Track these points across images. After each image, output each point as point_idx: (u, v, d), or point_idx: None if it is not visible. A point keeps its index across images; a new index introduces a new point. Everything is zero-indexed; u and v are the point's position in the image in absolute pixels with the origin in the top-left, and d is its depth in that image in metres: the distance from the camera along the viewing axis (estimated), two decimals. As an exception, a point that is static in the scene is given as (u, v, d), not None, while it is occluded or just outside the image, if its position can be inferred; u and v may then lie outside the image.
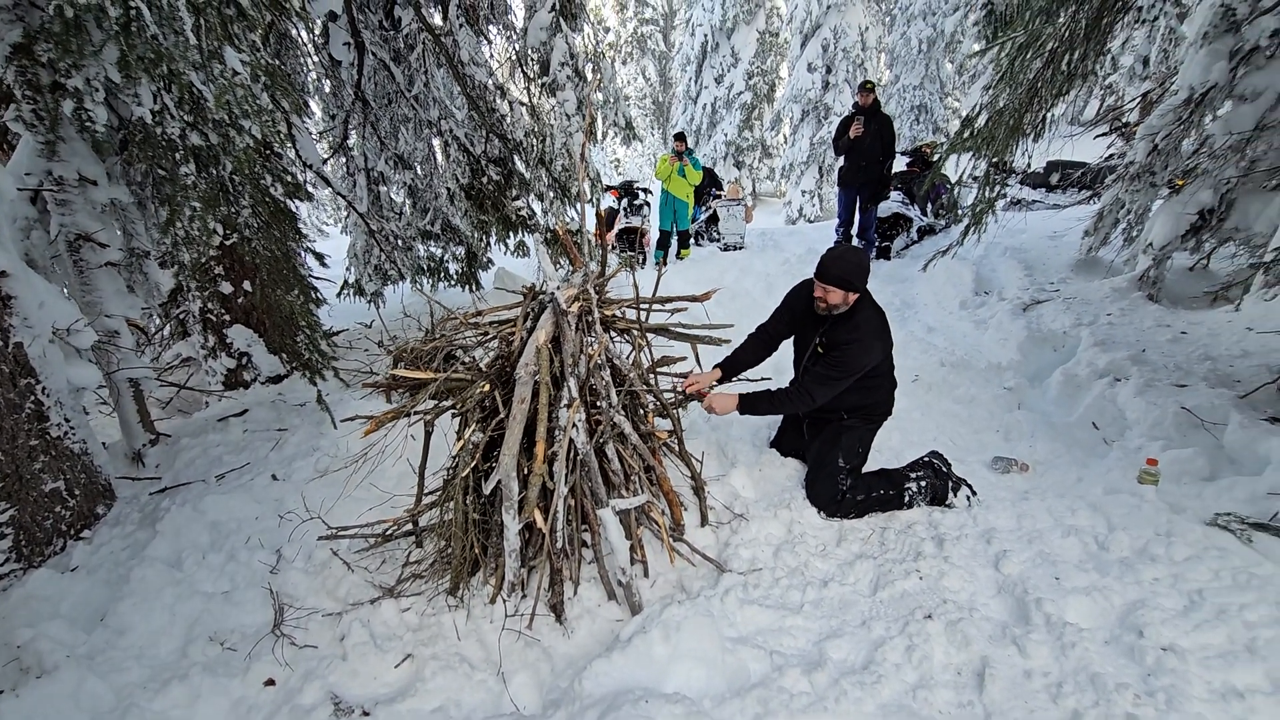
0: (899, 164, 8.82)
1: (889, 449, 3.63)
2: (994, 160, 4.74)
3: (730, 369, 3.22)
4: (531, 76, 5.58)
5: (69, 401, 3.03)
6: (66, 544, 2.92)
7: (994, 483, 3.40)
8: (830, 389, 2.89)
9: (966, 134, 4.76)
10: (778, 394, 2.97)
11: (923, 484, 3.03)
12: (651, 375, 3.03)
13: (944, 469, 3.12)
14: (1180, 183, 4.79)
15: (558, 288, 2.53)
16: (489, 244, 6.55)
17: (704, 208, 9.67)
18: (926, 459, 3.17)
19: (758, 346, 3.25)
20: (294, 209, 4.50)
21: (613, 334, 2.86)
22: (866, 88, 6.77)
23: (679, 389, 3.20)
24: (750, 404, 3.01)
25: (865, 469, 3.15)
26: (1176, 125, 4.64)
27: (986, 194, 5.00)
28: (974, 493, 3.08)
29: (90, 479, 3.11)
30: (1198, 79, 4.38)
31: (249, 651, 2.35)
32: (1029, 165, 6.30)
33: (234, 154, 2.87)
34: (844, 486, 2.97)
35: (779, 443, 3.44)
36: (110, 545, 2.93)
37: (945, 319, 5.86)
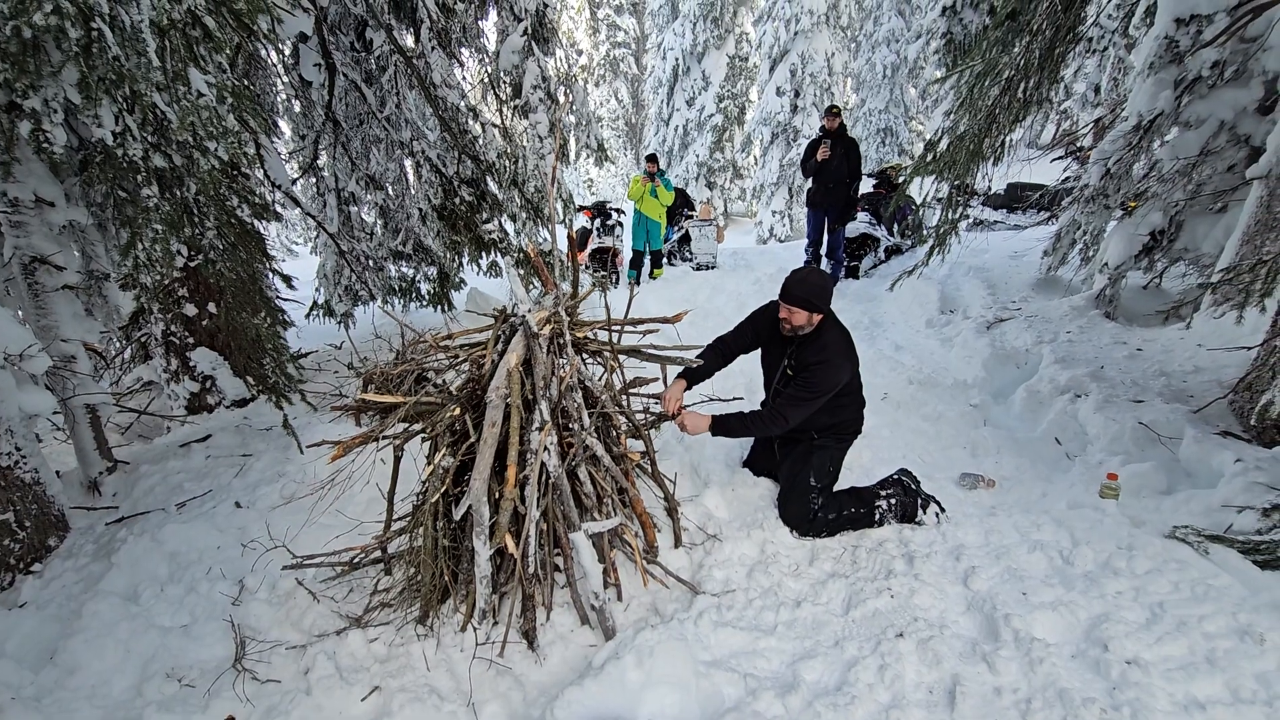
0: (866, 185, 9.02)
1: (859, 467, 3.66)
2: (956, 183, 4.88)
3: (691, 378, 3.20)
4: (504, 99, 5.60)
5: (20, 429, 2.91)
6: (15, 579, 2.79)
7: (962, 499, 3.43)
8: (803, 410, 2.90)
9: (929, 157, 4.90)
10: (751, 416, 2.98)
11: (893, 501, 3.05)
12: (624, 397, 3.02)
13: (913, 486, 3.15)
14: (1132, 205, 4.98)
15: (529, 310, 2.52)
16: (461, 264, 6.51)
17: (676, 228, 9.76)
18: (896, 476, 3.20)
19: (715, 357, 3.23)
20: (261, 230, 4.44)
21: (585, 356, 2.85)
22: (833, 112, 6.92)
23: (658, 410, 3.19)
24: (723, 425, 3.00)
25: (836, 488, 3.17)
26: (1127, 150, 4.84)
27: (950, 215, 5.13)
28: (942, 509, 3.11)
29: (42, 510, 2.99)
30: (1145, 106, 4.57)
31: (208, 688, 2.26)
32: (989, 187, 6.50)
33: (199, 176, 2.82)
34: (816, 505, 2.98)
35: (751, 463, 3.45)
36: (62, 579, 2.81)
37: (912, 337, 5.96)
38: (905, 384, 4.89)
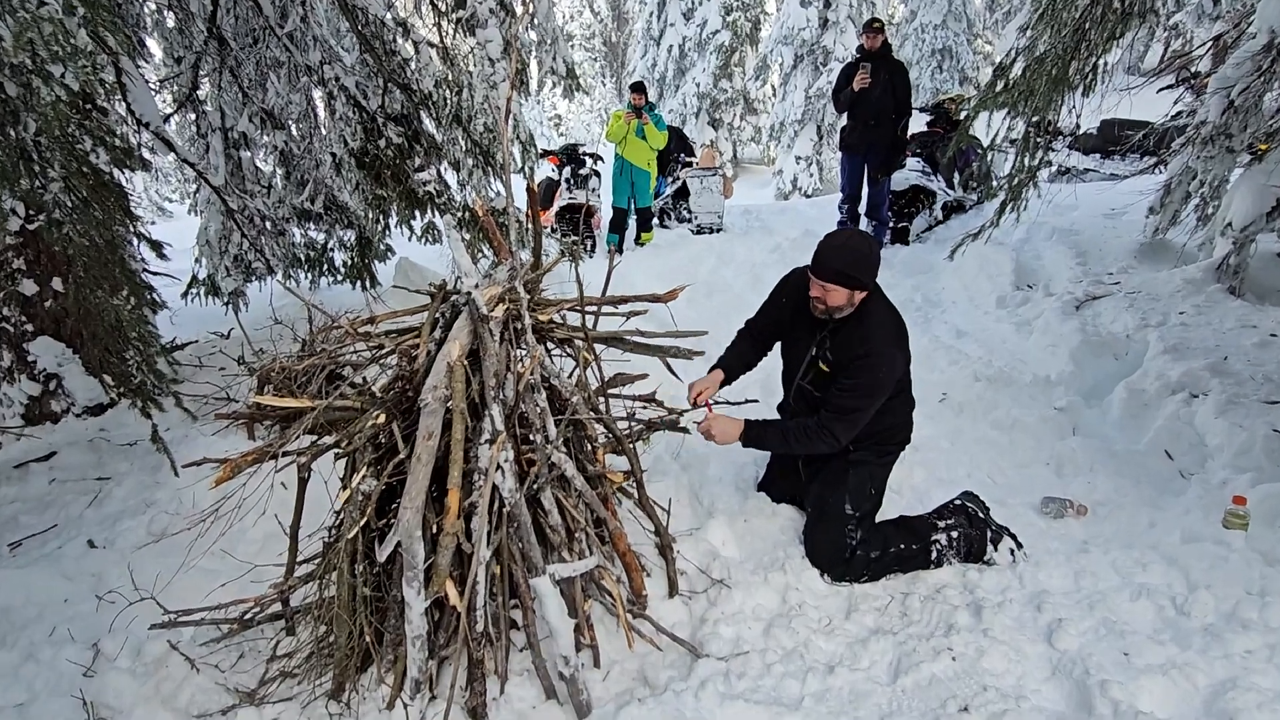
0: (917, 123, 9.02)
1: (909, 489, 3.65)
2: (1034, 120, 4.88)
3: (730, 370, 3.30)
4: (444, 9, 5.54)
5: None
6: None
7: (1044, 531, 3.45)
8: (855, 422, 2.91)
9: (1000, 86, 4.90)
10: (793, 428, 2.99)
11: (954, 535, 3.05)
12: (602, 399, 3.00)
13: (980, 515, 3.15)
14: (1264, 147, 4.99)
15: (476, 286, 2.49)
16: (388, 227, 6.45)
17: (670, 179, 9.74)
18: (958, 502, 3.19)
19: (752, 347, 3.30)
20: (123, 182, 4.36)
21: (550, 345, 2.82)
22: (874, 27, 6.91)
23: (647, 417, 3.19)
24: (758, 435, 3.03)
25: (880, 516, 3.17)
26: (1256, 76, 4.83)
27: (1027, 161, 5.13)
28: (1019, 545, 3.11)
29: None
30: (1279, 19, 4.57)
31: (50, 789, 2.21)
32: (1078, 125, 6.51)
33: (40, 111, 2.76)
34: (853, 540, 2.98)
35: (769, 485, 3.44)
36: None
37: (979, 320, 5.97)
38: (970, 381, 4.89)
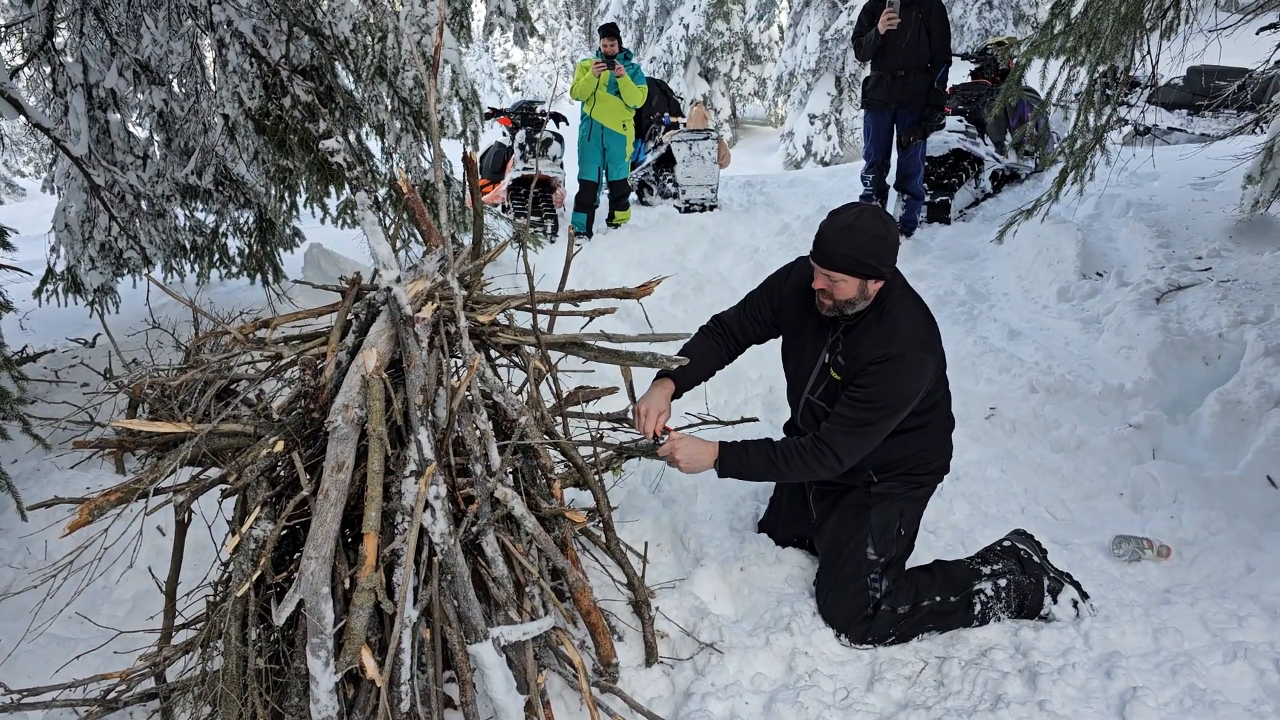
0: (959, 73, 9.10)
1: (949, 528, 3.67)
2: (1100, 69, 4.93)
3: (680, 380, 3.23)
4: (363, -66, 5.57)
5: None
6: None
7: (1117, 578, 3.47)
8: (863, 440, 2.90)
9: (1059, 28, 4.94)
10: (782, 448, 2.98)
11: (1001, 584, 3.08)
12: (560, 419, 3.00)
13: (1035, 559, 3.18)
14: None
15: (398, 280, 2.49)
16: (295, 206, 6.44)
17: (651, 144, 9.77)
18: (1007, 544, 3.22)
19: (713, 348, 3.27)
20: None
21: (494, 354, 2.83)
22: (904, -45, 6.97)
23: (619, 440, 3.19)
24: (736, 460, 3.01)
25: (912, 561, 3.19)
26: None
27: (1091, 120, 5.18)
28: (1084, 596, 3.14)
29: None
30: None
31: None
32: (1155, 74, 6.59)
33: None
34: (877, 592, 2.99)
35: (772, 525, 3.45)
36: None
37: (1036, 316, 6.02)
38: (1024, 393, 4.93)
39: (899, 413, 2.88)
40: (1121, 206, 7.04)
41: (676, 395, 3.21)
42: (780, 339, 3.29)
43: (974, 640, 3.02)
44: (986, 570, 3.10)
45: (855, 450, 2.90)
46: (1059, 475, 4.31)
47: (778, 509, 3.47)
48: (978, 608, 3.05)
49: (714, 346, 3.25)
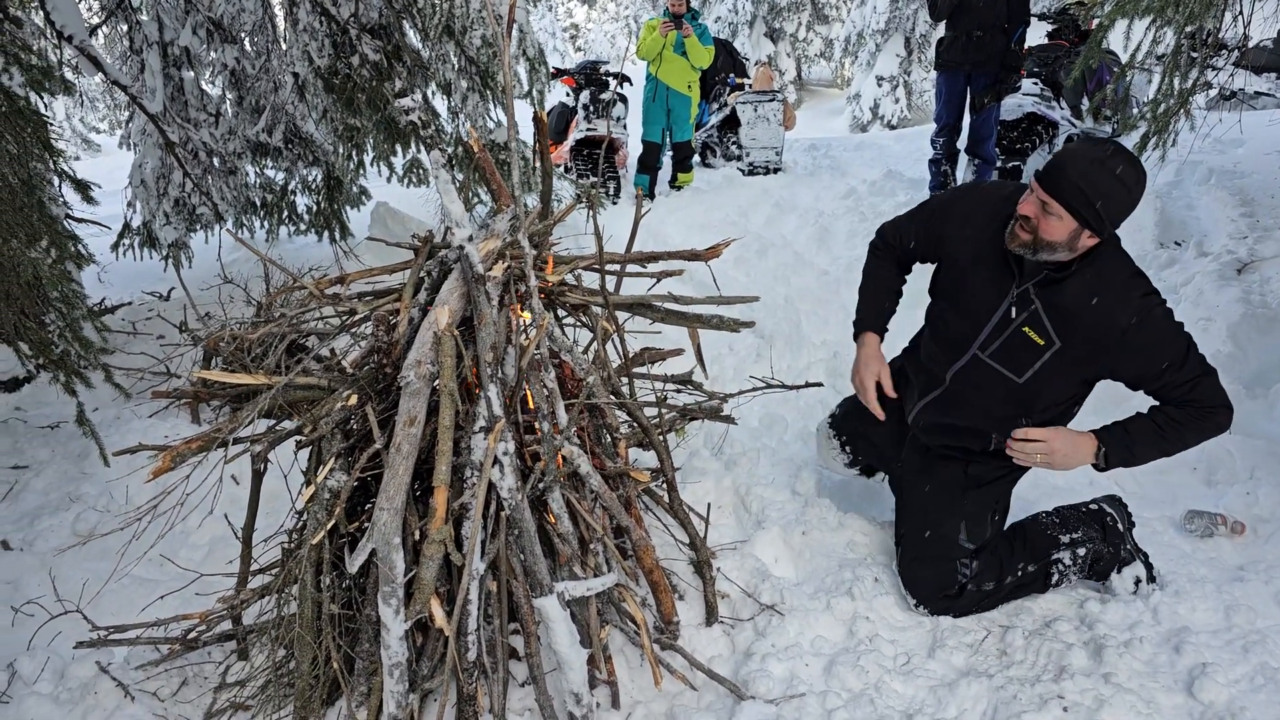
0: (1036, 34, 8.87)
1: (1015, 498, 3.63)
2: (1188, 30, 4.78)
3: (884, 324, 3.13)
4: (434, -110, 5.57)
5: None
6: None
7: (1188, 553, 3.42)
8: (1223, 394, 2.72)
9: (1145, -16, 4.80)
10: (1170, 419, 2.69)
11: (1080, 552, 3.02)
12: (626, 379, 3.03)
13: (1120, 527, 3.11)
14: None
15: (470, 239, 2.52)
16: (362, 165, 6.50)
17: (716, 105, 9.68)
18: (1095, 507, 3.13)
19: (898, 274, 3.12)
20: (43, 109, 4.46)
21: (562, 313, 2.86)
22: (982, -90, 6.80)
23: (685, 401, 3.20)
24: (1123, 449, 2.74)
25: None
26: None
27: (1178, 84, 5.03)
28: (1151, 577, 3.08)
29: None
30: None
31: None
32: (1245, 36, 6.37)
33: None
34: (965, 576, 2.95)
35: (847, 426, 3.40)
36: None
37: (1110, 287, 5.90)
38: (1096, 364, 4.85)
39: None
40: (1203, 174, 6.85)
41: (885, 333, 3.10)
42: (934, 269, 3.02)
43: (1038, 610, 3.00)
44: (1066, 539, 3.01)
45: (1229, 408, 2.71)
46: (1129, 448, 4.25)
47: (858, 415, 3.28)
48: (1055, 577, 3.02)
49: (891, 271, 3.09)
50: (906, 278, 3.15)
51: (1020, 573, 2.99)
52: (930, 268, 3.06)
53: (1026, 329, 2.70)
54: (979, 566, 2.96)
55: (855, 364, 3.07)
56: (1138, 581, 3.07)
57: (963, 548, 2.95)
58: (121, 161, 7.62)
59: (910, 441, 3.19)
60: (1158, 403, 2.74)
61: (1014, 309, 2.71)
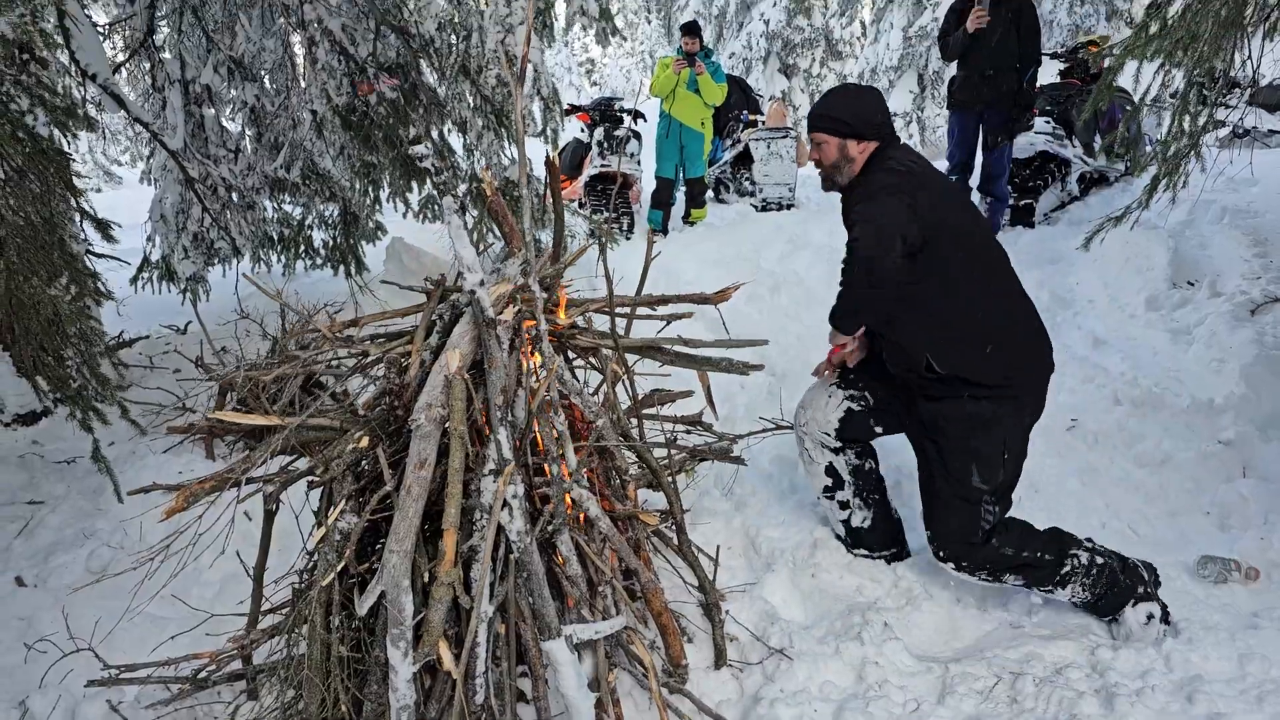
0: (1048, 73, 8.91)
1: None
2: (1199, 74, 4.80)
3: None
4: (451, -65, 5.67)
5: None
6: None
7: (1201, 599, 3.39)
8: (850, 297, 3.09)
9: (1152, 30, 4.83)
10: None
11: (1099, 562, 3.08)
12: (635, 421, 3.04)
13: (1144, 575, 3.16)
14: None
15: (481, 283, 2.55)
16: (378, 201, 6.57)
17: (729, 142, 9.74)
18: (1130, 558, 3.20)
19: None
20: (66, 146, 4.53)
21: (572, 355, 2.88)
22: (994, -48, 6.86)
23: (693, 442, 3.23)
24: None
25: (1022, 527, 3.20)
26: None
27: (1188, 124, 5.05)
28: (1165, 617, 3.09)
29: None
30: None
31: None
32: (1256, 75, 6.38)
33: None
34: (988, 522, 3.04)
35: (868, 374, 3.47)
36: None
37: (1123, 325, 5.88)
38: (1108, 405, 4.83)
39: (874, 274, 2.91)
40: (1217, 213, 6.84)
41: None
42: None
43: (1049, 657, 2.98)
44: (1091, 547, 3.11)
45: (845, 306, 3.12)
46: (1143, 491, 4.22)
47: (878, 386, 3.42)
48: (1066, 568, 3.06)
49: None
50: None
51: (1039, 555, 3.06)
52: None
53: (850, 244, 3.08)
54: (1002, 516, 3.08)
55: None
56: (1150, 617, 3.07)
57: (978, 489, 3.03)
58: (143, 195, 7.73)
59: (906, 395, 3.29)
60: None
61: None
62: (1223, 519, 4.03)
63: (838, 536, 3.56)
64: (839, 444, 3.38)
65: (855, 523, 3.47)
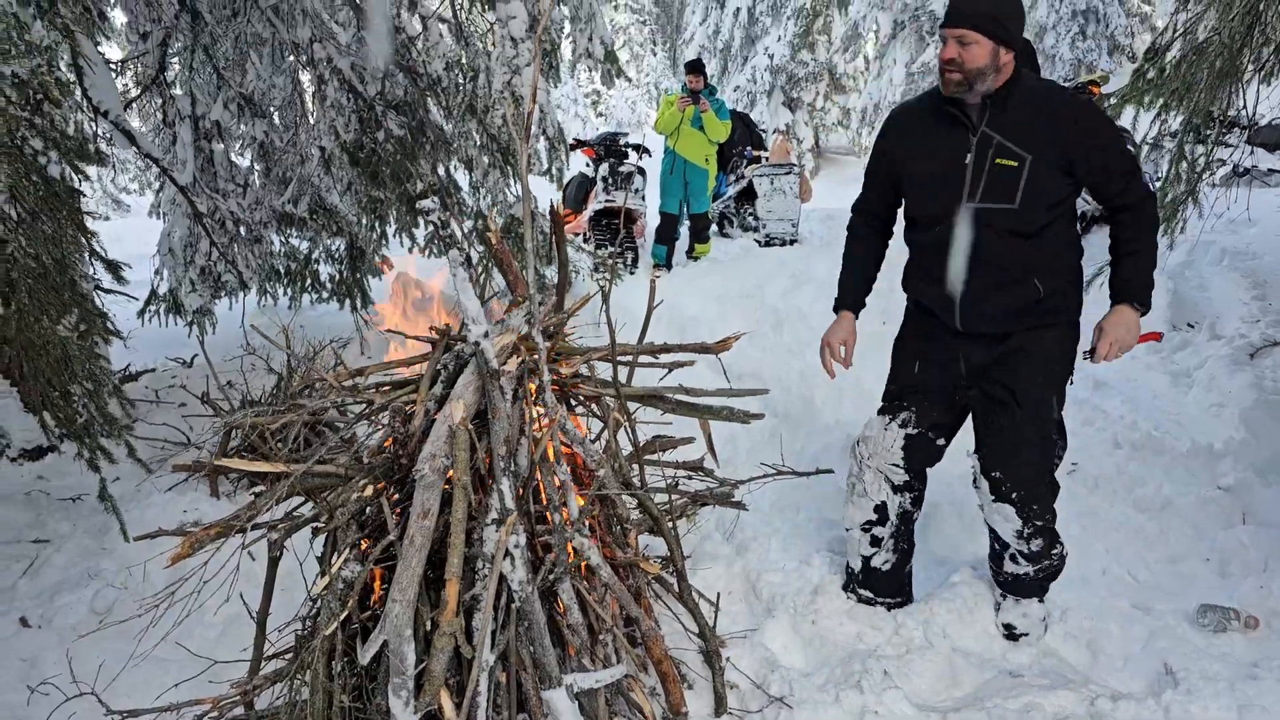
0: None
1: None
2: (1196, 119, 4.86)
3: (860, 296, 3.41)
4: (459, -22, 5.77)
5: None
6: None
7: (1201, 648, 3.38)
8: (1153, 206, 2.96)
9: (1151, 74, 4.90)
10: (1142, 235, 2.91)
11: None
12: (635, 467, 3.06)
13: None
14: None
15: (486, 335, 2.59)
16: (385, 236, 6.63)
17: (733, 177, 9.80)
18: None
19: (878, 237, 3.38)
20: (76, 185, 4.58)
21: (574, 403, 2.90)
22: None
23: (694, 488, 3.23)
24: (1144, 289, 2.94)
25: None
26: None
27: (1186, 168, 5.10)
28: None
29: None
30: None
31: None
32: (1253, 116, 6.44)
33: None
34: (1058, 460, 3.14)
35: (897, 390, 3.39)
36: None
37: (1122, 368, 5.89)
38: (1108, 448, 4.84)
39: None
40: (1216, 254, 6.88)
41: (860, 309, 3.38)
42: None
43: (1049, 707, 2.97)
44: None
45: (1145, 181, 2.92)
46: (1142, 536, 4.22)
47: (908, 377, 3.35)
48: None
49: (870, 245, 3.36)
50: (888, 242, 3.42)
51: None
52: None
53: (999, 160, 2.85)
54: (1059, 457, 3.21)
55: (826, 333, 3.36)
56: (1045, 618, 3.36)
57: (1057, 421, 3.13)
58: (150, 225, 7.81)
59: (969, 359, 3.20)
60: (1108, 212, 3.00)
61: (982, 149, 2.87)
62: (1223, 565, 4.03)
63: (849, 572, 3.53)
64: (906, 478, 3.33)
65: (876, 563, 3.44)
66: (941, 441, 3.33)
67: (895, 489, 3.33)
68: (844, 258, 3.43)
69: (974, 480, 3.27)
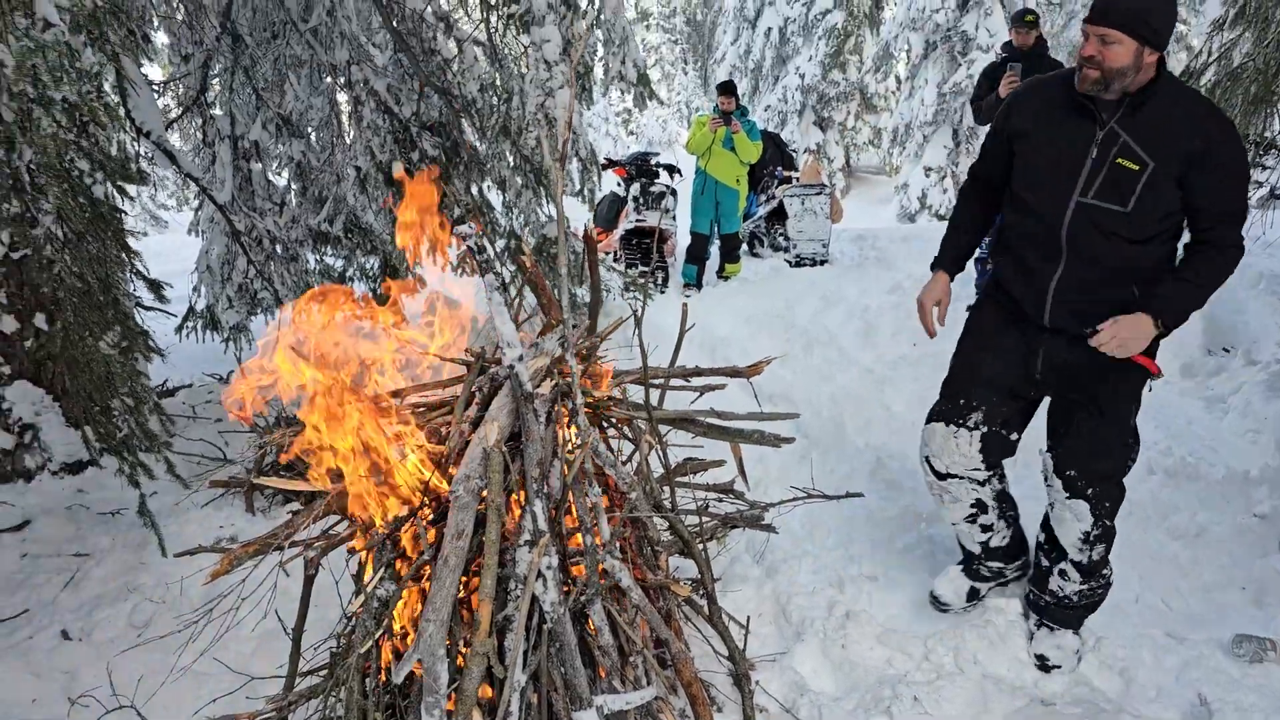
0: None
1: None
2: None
3: (960, 260, 3.37)
4: (493, 4, 5.83)
5: None
6: None
7: (1236, 679, 3.34)
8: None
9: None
10: (1199, 270, 2.83)
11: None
12: (667, 489, 3.08)
13: None
14: None
15: (520, 358, 2.62)
16: (419, 255, 6.69)
17: (764, 197, 9.82)
18: None
19: (984, 205, 3.32)
20: (119, 205, 4.68)
21: (606, 426, 2.93)
22: (1027, 21, 6.93)
23: (723, 510, 3.24)
24: (1174, 310, 2.84)
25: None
26: None
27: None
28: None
29: None
30: None
31: None
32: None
33: (39, 141, 3.05)
34: (1131, 461, 3.10)
35: (959, 388, 3.33)
36: None
37: (1157, 394, 5.83)
38: (1142, 474, 4.79)
39: None
40: (1253, 278, 6.80)
41: (957, 271, 3.36)
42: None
43: (1080, 738, 2.97)
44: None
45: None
46: (1176, 564, 4.18)
47: (973, 371, 3.31)
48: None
49: (976, 212, 3.31)
50: (994, 215, 3.32)
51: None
52: None
53: (1120, 160, 2.77)
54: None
55: (920, 292, 3.33)
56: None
57: (1133, 428, 3.10)
58: (189, 241, 7.94)
59: (1049, 355, 3.14)
60: (1191, 237, 2.88)
61: (1106, 146, 2.79)
62: (1259, 594, 3.98)
63: (966, 555, 3.58)
64: (989, 473, 3.33)
65: (995, 542, 3.47)
66: (1015, 436, 3.31)
67: (982, 484, 3.34)
68: (949, 219, 3.43)
69: (1045, 478, 3.23)
